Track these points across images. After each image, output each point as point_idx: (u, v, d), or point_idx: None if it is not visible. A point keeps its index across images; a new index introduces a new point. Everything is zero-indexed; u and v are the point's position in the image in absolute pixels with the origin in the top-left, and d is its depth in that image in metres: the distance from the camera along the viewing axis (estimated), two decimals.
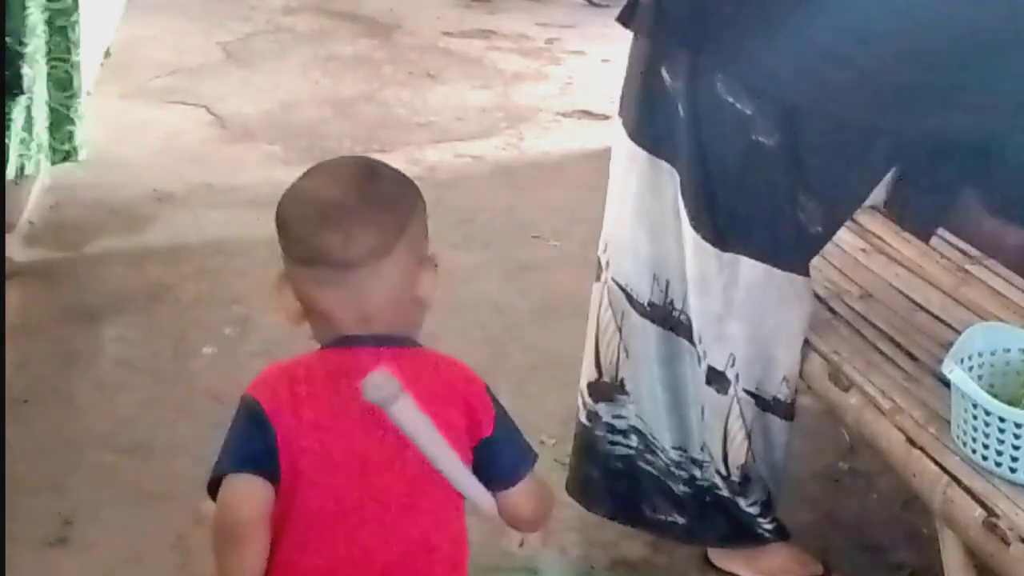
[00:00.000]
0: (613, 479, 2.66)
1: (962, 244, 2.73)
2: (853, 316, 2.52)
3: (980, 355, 2.15)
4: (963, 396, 2.02)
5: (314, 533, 1.56)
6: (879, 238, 2.88)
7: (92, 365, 3.28)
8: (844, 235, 2.90)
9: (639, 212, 2.51)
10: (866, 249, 2.83)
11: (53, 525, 2.65)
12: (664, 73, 2.41)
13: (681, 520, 2.62)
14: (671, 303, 2.53)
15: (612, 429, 2.64)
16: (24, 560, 2.51)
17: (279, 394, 1.55)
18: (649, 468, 2.63)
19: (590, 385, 2.66)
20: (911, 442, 2.11)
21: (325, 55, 6.17)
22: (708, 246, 2.40)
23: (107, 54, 5.67)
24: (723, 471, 2.54)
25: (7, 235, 3.60)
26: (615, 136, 2.58)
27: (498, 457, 1.61)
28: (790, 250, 2.43)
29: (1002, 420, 1.96)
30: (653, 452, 2.61)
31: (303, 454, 1.54)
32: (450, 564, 1.64)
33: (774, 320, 2.43)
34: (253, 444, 1.53)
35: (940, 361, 2.18)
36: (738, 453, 2.52)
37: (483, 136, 5.25)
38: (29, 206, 4.03)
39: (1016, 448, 1.96)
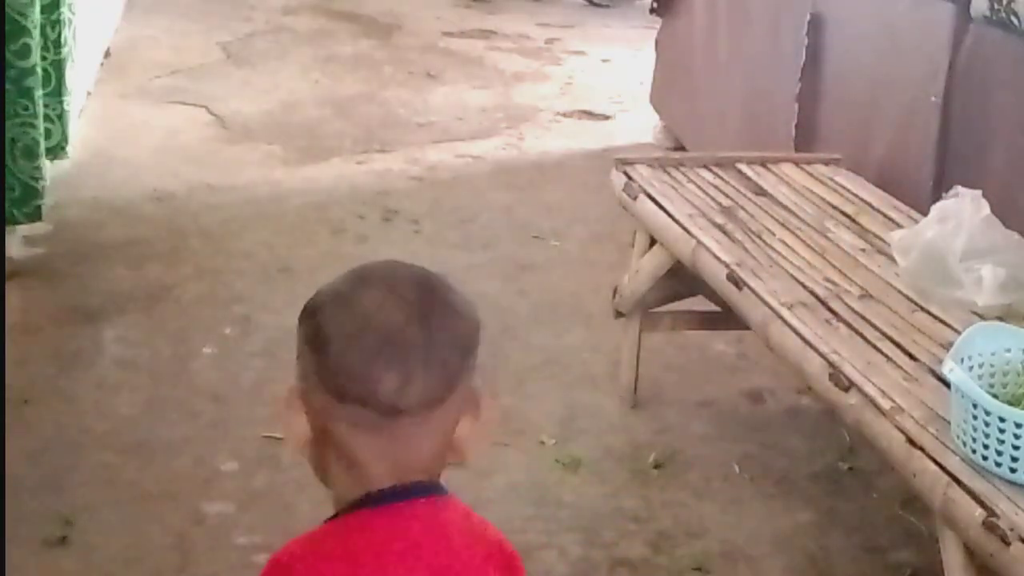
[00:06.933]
0: None
1: None
2: (853, 316, 2.52)
3: (980, 355, 2.15)
4: (963, 396, 2.02)
5: None
6: (878, 238, 2.88)
7: (92, 365, 3.28)
8: (844, 235, 2.91)
9: None
10: (866, 249, 2.83)
11: (53, 525, 2.65)
12: None
13: None
14: None
15: None
16: (24, 560, 2.51)
17: None
18: None
19: None
20: (911, 442, 2.11)
21: (325, 55, 6.18)
22: None
23: (107, 54, 5.68)
24: None
25: (7, 235, 3.60)
26: None
27: None
28: None
29: (1002, 420, 1.96)
30: None
31: None
32: None
33: None
34: None
35: (940, 361, 2.18)
36: None
37: (483, 136, 5.25)
38: None
39: (1016, 448, 1.96)
